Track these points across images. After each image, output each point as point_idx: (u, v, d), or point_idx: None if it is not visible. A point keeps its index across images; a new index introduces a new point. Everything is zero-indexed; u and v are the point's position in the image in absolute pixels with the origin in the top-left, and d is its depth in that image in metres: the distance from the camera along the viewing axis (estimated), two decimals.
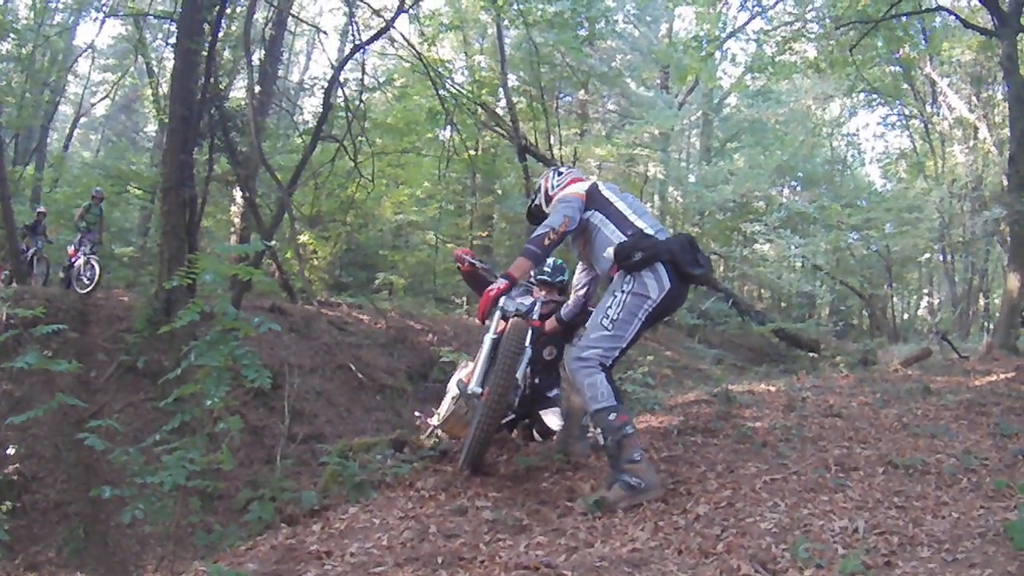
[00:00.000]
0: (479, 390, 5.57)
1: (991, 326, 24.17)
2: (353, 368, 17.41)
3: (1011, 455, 5.18)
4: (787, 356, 24.64)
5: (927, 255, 33.29)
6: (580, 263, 6.19)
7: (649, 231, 5.30)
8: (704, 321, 27.04)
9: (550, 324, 6.35)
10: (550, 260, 6.58)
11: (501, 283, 5.38)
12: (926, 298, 39.43)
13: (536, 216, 6.08)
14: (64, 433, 12.98)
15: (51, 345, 13.29)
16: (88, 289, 17.15)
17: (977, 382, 8.50)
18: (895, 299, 37.47)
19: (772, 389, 8.53)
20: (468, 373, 6.43)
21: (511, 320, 5.82)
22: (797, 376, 10.74)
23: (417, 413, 8.96)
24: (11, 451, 12.77)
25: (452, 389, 6.88)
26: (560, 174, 6.12)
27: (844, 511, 4.12)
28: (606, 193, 5.63)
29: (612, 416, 4.85)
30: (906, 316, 39.85)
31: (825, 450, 5.36)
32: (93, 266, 17.37)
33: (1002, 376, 8.88)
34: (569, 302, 6.37)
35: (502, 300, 6.10)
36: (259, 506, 5.12)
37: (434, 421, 7.14)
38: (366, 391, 17.34)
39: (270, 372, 5.06)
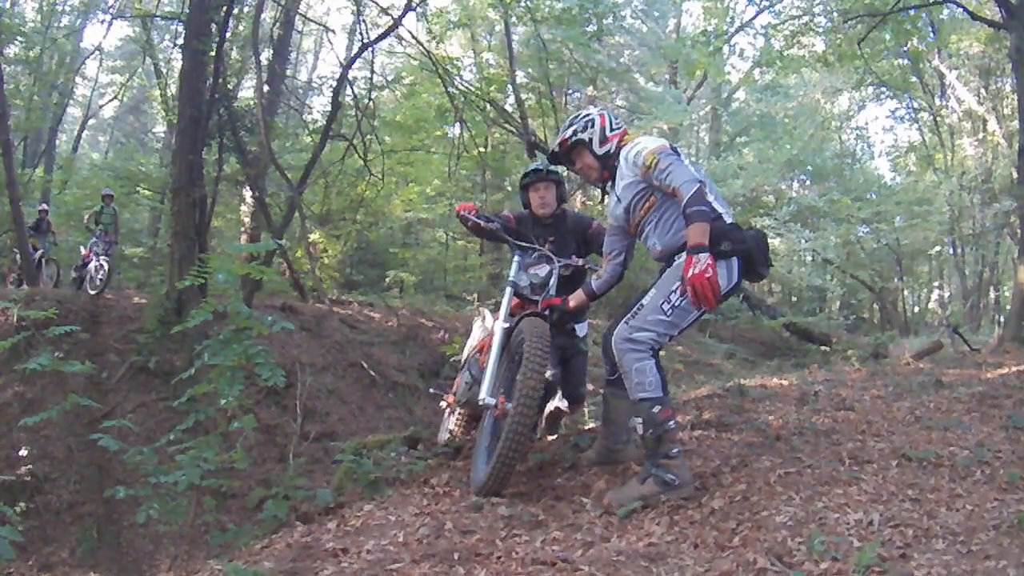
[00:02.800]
0: (492, 400, 5.17)
1: (1002, 319, 24.11)
2: (365, 366, 17.46)
3: None
4: (798, 350, 24.59)
5: (937, 248, 33.21)
6: (615, 227, 5.43)
7: (728, 218, 4.87)
8: (715, 316, 27.02)
9: (575, 298, 5.66)
10: (535, 271, 5.97)
11: (705, 258, 4.40)
12: (936, 291, 39.32)
13: (564, 157, 5.44)
14: (76, 434, 13.04)
15: (63, 346, 13.34)
16: (99, 290, 17.21)
17: (989, 375, 8.46)
18: (906, 292, 37.36)
19: (784, 383, 8.51)
20: (483, 350, 6.17)
21: (528, 322, 5.23)
22: (809, 370, 10.71)
23: (432, 390, 8.72)
24: (24, 452, 12.83)
25: (468, 365, 6.62)
26: (616, 116, 5.41)
27: (859, 504, 4.11)
28: (687, 161, 4.92)
29: (656, 409, 4.58)
30: (917, 309, 39.74)
31: (838, 443, 5.35)
32: (104, 266, 17.43)
33: (1014, 369, 8.84)
34: (603, 271, 5.60)
35: (512, 272, 5.90)
36: (273, 504, 5.13)
37: (456, 397, 6.79)
38: (378, 389, 17.38)
39: (283, 372, 5.08)
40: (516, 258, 6.04)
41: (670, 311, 4.64)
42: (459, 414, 7.04)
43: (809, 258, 33.99)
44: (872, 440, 5.45)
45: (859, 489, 4.36)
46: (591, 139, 5.19)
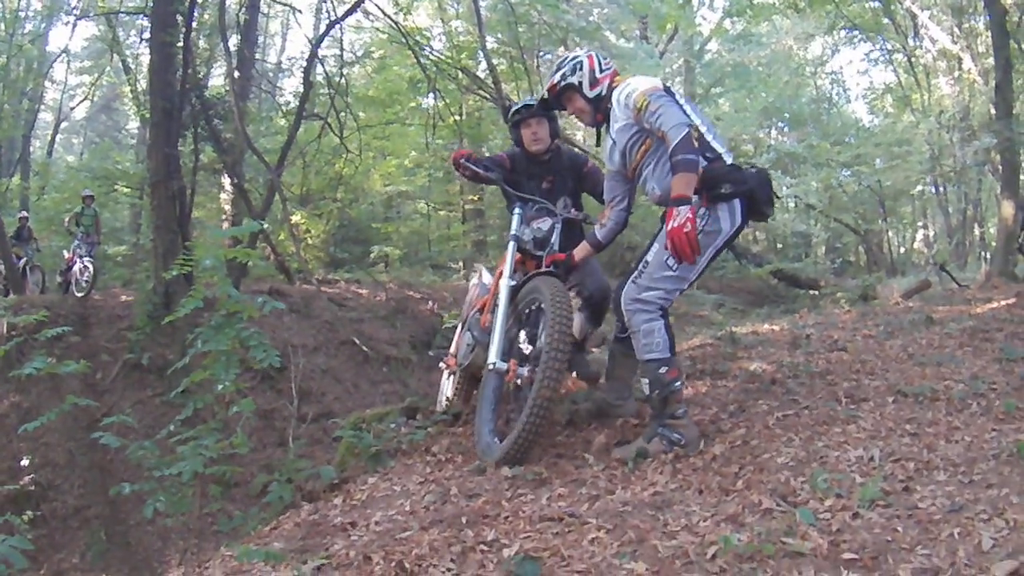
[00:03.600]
0: (503, 365, 4.96)
1: (988, 255, 24.21)
2: (357, 343, 17.49)
3: (1018, 378, 5.21)
4: (787, 296, 24.65)
5: (919, 188, 33.31)
6: (613, 171, 5.24)
7: (728, 158, 4.73)
8: None
9: (581, 250, 5.48)
10: (537, 224, 5.68)
11: (685, 211, 4.27)
12: (921, 231, 39.48)
13: (555, 102, 5.29)
14: (76, 439, 13.06)
15: (55, 351, 13.32)
16: (85, 292, 17.16)
17: (979, 310, 8.53)
18: (890, 233, 37.47)
19: (776, 329, 8.55)
20: (483, 309, 5.86)
21: (543, 282, 5.00)
22: (799, 315, 10.76)
23: (431, 353, 8.38)
24: (25, 462, 12.85)
25: (468, 325, 6.25)
26: (605, 58, 5.22)
27: (858, 441, 4.15)
28: (681, 100, 4.73)
29: (663, 369, 4.52)
30: (902, 250, 39.89)
31: (834, 384, 5.38)
32: (88, 267, 17.38)
33: (1003, 303, 8.92)
34: (606, 218, 5.40)
35: (514, 226, 5.63)
36: (278, 487, 5.14)
37: (457, 360, 6.57)
38: (371, 364, 17.42)
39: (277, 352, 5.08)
40: (517, 211, 5.75)
41: (675, 266, 4.53)
42: (459, 377, 6.75)
43: (792, 204, 34.03)
44: (867, 379, 5.50)
45: (857, 427, 4.40)
46: (580, 82, 5.05)
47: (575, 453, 4.86)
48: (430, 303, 20.26)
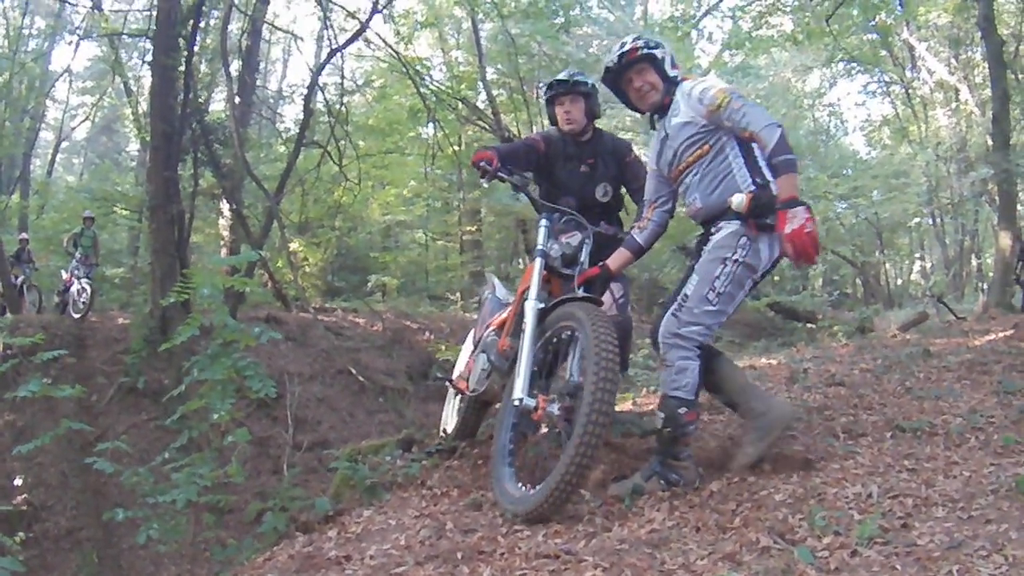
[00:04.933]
0: (531, 402, 4.45)
1: (985, 286, 24.27)
2: (353, 372, 17.46)
3: (1016, 411, 5.18)
4: (784, 329, 24.64)
5: (916, 219, 33.36)
6: (655, 170, 4.96)
7: (774, 187, 4.34)
8: None
9: (618, 258, 5.06)
10: (566, 239, 5.15)
11: (802, 212, 4.06)
12: (918, 262, 39.58)
13: (619, 73, 4.80)
14: (69, 460, 13.02)
15: (50, 372, 13.30)
16: (82, 313, 17.18)
17: (976, 342, 8.51)
18: (887, 265, 37.54)
19: (773, 363, 8.55)
20: (501, 328, 5.35)
21: (583, 310, 4.45)
22: (796, 348, 10.77)
23: (439, 375, 7.61)
24: (18, 482, 12.81)
25: (483, 346, 5.57)
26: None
27: (856, 477, 4.12)
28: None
29: (683, 410, 4.34)
30: (900, 282, 39.96)
31: (831, 419, 5.36)
32: (86, 289, 17.40)
33: (1000, 334, 8.91)
34: (646, 220, 5.04)
35: (541, 240, 5.11)
36: (272, 517, 5.11)
37: (469, 385, 5.73)
38: (367, 394, 17.37)
39: (272, 383, 5.06)
40: (544, 222, 5.24)
41: (716, 299, 4.35)
42: (469, 403, 6.11)
43: None
44: (864, 413, 5.48)
45: (855, 463, 4.38)
46: (663, 57, 4.75)
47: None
48: (427, 333, 20.24)
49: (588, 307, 4.48)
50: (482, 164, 5.18)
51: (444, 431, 6.68)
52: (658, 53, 4.72)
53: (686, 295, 4.42)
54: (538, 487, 4.21)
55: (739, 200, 4.31)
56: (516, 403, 4.46)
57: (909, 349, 8.13)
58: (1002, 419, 5.02)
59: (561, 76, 5.77)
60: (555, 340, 4.73)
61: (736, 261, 4.32)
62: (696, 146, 4.56)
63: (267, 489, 12.16)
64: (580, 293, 4.81)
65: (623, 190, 5.94)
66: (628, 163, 5.84)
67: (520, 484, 4.45)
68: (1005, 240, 14.45)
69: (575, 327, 4.48)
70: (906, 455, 4.44)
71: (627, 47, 4.75)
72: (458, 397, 6.52)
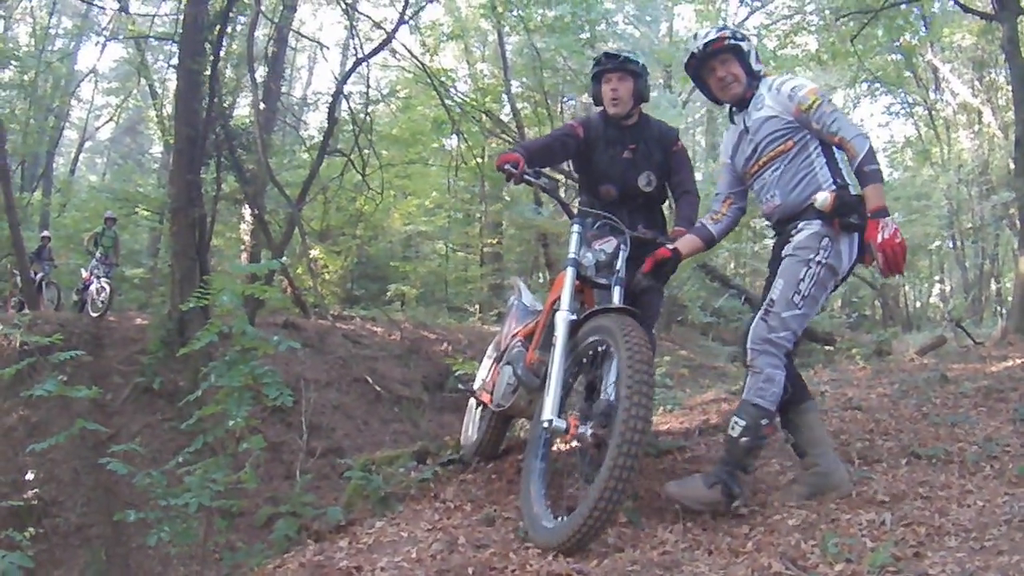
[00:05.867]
0: (561, 424, 4.15)
1: (1004, 311, 24.12)
2: (369, 380, 17.45)
3: None
4: (802, 350, 24.37)
5: (937, 242, 33.24)
6: (730, 167, 4.90)
7: (853, 190, 4.35)
8: (717, 319, 26.98)
9: (688, 244, 4.88)
10: (600, 246, 4.76)
11: (891, 222, 4.02)
12: (938, 285, 39.39)
13: (704, 58, 4.67)
14: (82, 457, 13.05)
15: (66, 369, 13.35)
16: (101, 312, 17.26)
17: (994, 368, 8.46)
18: (907, 288, 37.36)
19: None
20: (529, 337, 5.13)
21: (616, 322, 4.16)
22: (814, 370, 10.71)
23: (461, 386, 6.93)
24: (30, 476, 12.85)
25: (509, 358, 5.26)
26: None
27: (870, 504, 4.12)
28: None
29: (764, 422, 4.23)
30: (919, 304, 39.77)
31: (847, 443, 5.34)
32: (105, 288, 17.48)
33: (1018, 361, 8.84)
34: (721, 214, 4.91)
35: (572, 247, 4.75)
36: (283, 523, 5.12)
37: (493, 398, 5.43)
38: (383, 403, 17.36)
39: (288, 389, 5.07)
40: (576, 227, 4.88)
41: (801, 303, 4.26)
42: (492, 417, 5.75)
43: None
44: (880, 439, 5.46)
45: (870, 489, 4.36)
46: (750, 50, 4.66)
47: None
48: (445, 344, 20.22)
49: (622, 320, 4.18)
50: (507, 167, 4.82)
51: (462, 447, 6.31)
52: (744, 45, 4.64)
53: (772, 300, 4.33)
54: (569, 517, 3.94)
55: (824, 198, 4.25)
56: (545, 425, 4.17)
57: (927, 374, 8.09)
58: (1018, 448, 5.00)
59: (611, 51, 5.44)
60: (587, 355, 4.44)
61: (819, 263, 4.25)
62: (779, 142, 4.50)
63: (279, 494, 12.18)
64: (615, 304, 4.50)
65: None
66: (675, 152, 5.51)
67: (551, 512, 4.17)
68: None
69: (608, 342, 4.19)
70: (920, 482, 4.43)
71: (714, 36, 4.66)
72: (479, 409, 6.21)
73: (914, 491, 4.29)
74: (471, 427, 6.32)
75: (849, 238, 4.30)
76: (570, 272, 4.65)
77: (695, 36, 4.84)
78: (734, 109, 4.79)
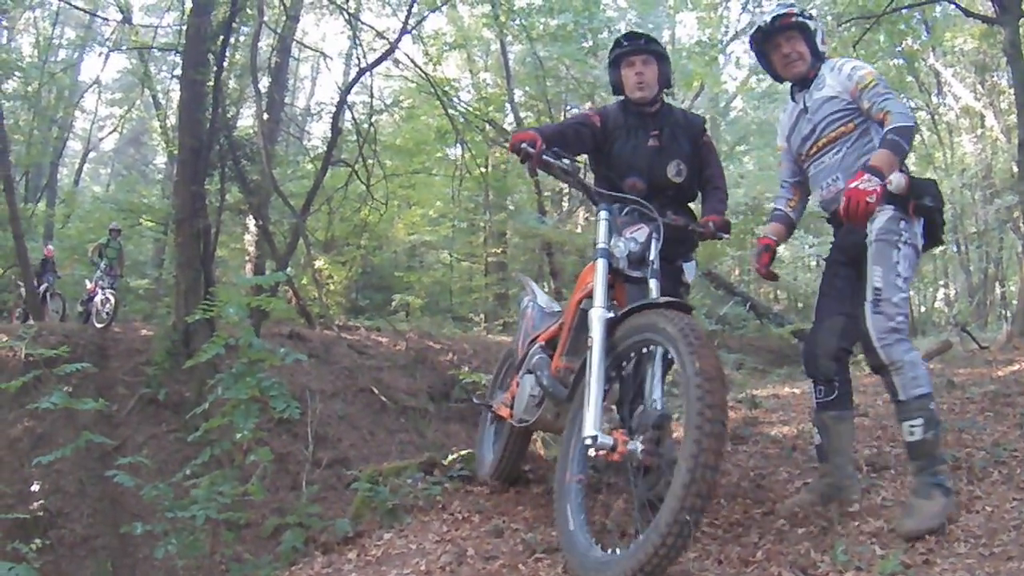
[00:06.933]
0: (608, 441, 3.59)
1: (1009, 314, 24.08)
2: (375, 391, 17.43)
3: None
4: None
5: (941, 247, 33.14)
6: (788, 152, 4.76)
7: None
8: (723, 326, 26.93)
9: (778, 234, 4.75)
10: (631, 234, 4.29)
11: (876, 182, 3.76)
12: (942, 290, 39.29)
13: (770, 34, 4.52)
14: (88, 468, 13.04)
15: (71, 380, 13.35)
16: (106, 323, 17.28)
17: (1000, 372, 8.46)
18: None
19: (797, 392, 8.52)
20: (550, 342, 4.77)
21: (666, 317, 3.64)
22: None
23: (474, 400, 6.45)
24: (36, 488, 12.84)
25: (531, 366, 4.74)
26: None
27: (879, 512, 4.11)
28: None
29: (933, 405, 3.96)
30: (923, 309, 39.67)
31: (855, 451, 5.32)
32: (110, 299, 17.50)
33: None
34: (796, 199, 4.73)
35: (601, 236, 4.21)
36: (291, 534, 5.12)
37: (514, 413, 4.88)
38: (388, 413, 17.33)
39: (294, 400, 5.07)
40: (604, 215, 4.34)
41: (903, 284, 4.06)
42: (510, 433, 5.26)
43: (814, 263, 33.91)
44: (888, 445, 5.46)
45: (878, 496, 4.35)
46: (816, 30, 4.53)
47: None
48: (450, 354, 20.20)
49: (676, 317, 3.64)
50: (523, 146, 4.28)
51: (476, 468, 5.92)
52: (812, 24, 4.51)
53: (878, 288, 4.06)
54: (627, 550, 3.44)
55: (899, 180, 4.04)
56: (588, 442, 3.62)
57: (932, 379, 8.07)
58: None
59: (634, 31, 5.04)
60: (628, 358, 3.96)
61: (906, 243, 4.07)
62: (840, 122, 4.36)
63: (286, 505, 12.18)
64: (657, 298, 4.01)
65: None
66: (704, 144, 5.14)
67: (596, 543, 3.70)
68: None
69: (661, 342, 3.67)
70: None
71: (782, 11, 4.50)
72: (494, 425, 5.82)
73: None
74: (486, 445, 5.91)
75: (919, 225, 4.17)
76: (601, 264, 4.12)
77: (763, 12, 4.70)
78: (795, 88, 4.67)
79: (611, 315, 3.91)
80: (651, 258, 4.19)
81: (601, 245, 4.17)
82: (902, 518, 3.82)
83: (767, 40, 4.58)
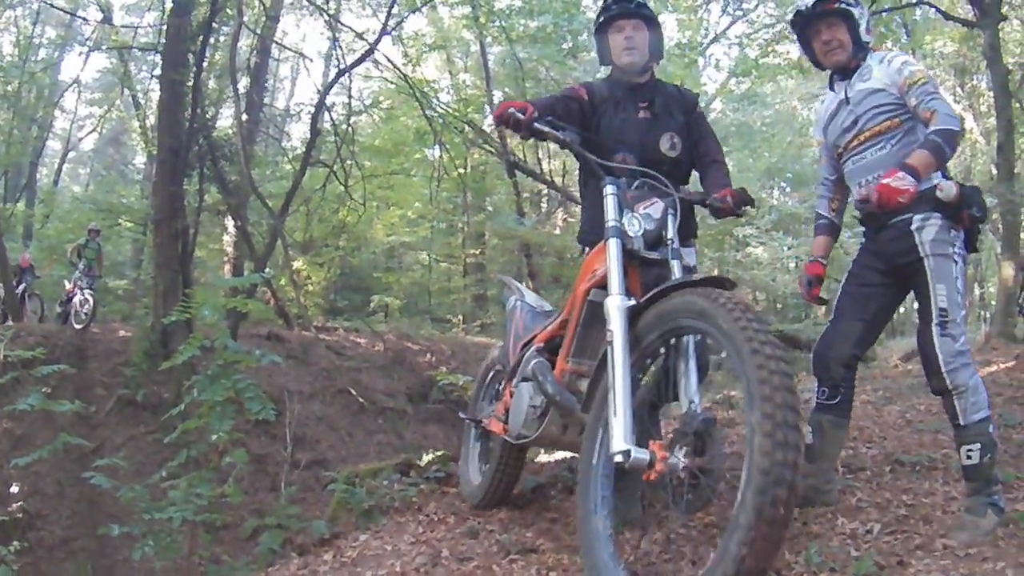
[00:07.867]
0: (644, 454, 3.03)
1: (988, 316, 24.18)
2: (353, 392, 17.43)
3: (1016, 446, 5.17)
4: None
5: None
6: (827, 150, 4.46)
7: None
8: None
9: (824, 246, 4.52)
10: (645, 209, 3.69)
11: (911, 180, 3.53)
12: None
13: (811, 17, 4.27)
14: (66, 469, 12.98)
15: (50, 381, 13.27)
16: (84, 324, 17.19)
17: (978, 373, 8.49)
18: None
19: None
20: (548, 343, 4.20)
21: (707, 298, 3.03)
22: (798, 378, 10.71)
23: (463, 416, 5.37)
24: (15, 489, 12.77)
25: (529, 371, 4.11)
26: None
27: (854, 513, 4.11)
28: None
29: (992, 428, 3.88)
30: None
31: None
32: (88, 300, 17.42)
33: (1002, 366, 8.89)
34: (841, 200, 4.44)
35: (611, 212, 3.62)
36: (268, 536, 5.12)
37: (510, 428, 4.31)
38: (367, 414, 17.33)
39: (272, 401, 5.06)
40: (610, 188, 3.74)
41: (962, 299, 3.89)
42: (502, 450, 4.72)
43: (792, 265, 34.00)
44: (864, 446, 5.46)
45: (854, 497, 4.35)
46: (861, 18, 4.23)
47: (568, 520, 4.51)
48: (428, 355, 20.20)
49: (718, 296, 3.04)
50: (513, 113, 3.83)
51: (462, 492, 5.40)
52: (856, 12, 4.23)
53: (943, 310, 3.86)
54: None
55: (949, 187, 3.82)
56: (620, 458, 3.06)
57: (910, 380, 8.12)
58: (1001, 453, 4.99)
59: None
60: (657, 353, 3.43)
61: (960, 255, 3.91)
62: (885, 116, 4.10)
63: (264, 506, 12.15)
64: (689, 276, 3.52)
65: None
66: (697, 115, 4.64)
67: (626, 570, 3.23)
68: (1008, 270, 14.35)
69: (704, 330, 3.09)
70: (905, 490, 4.42)
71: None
72: (479, 444, 5.35)
73: (898, 499, 4.28)
74: (472, 466, 5.34)
75: (964, 234, 3.95)
76: (614, 244, 3.54)
77: None
78: (836, 77, 4.42)
79: (632, 303, 3.36)
80: (669, 236, 3.66)
81: (612, 222, 3.61)
82: (955, 530, 3.74)
83: (809, 25, 4.36)
